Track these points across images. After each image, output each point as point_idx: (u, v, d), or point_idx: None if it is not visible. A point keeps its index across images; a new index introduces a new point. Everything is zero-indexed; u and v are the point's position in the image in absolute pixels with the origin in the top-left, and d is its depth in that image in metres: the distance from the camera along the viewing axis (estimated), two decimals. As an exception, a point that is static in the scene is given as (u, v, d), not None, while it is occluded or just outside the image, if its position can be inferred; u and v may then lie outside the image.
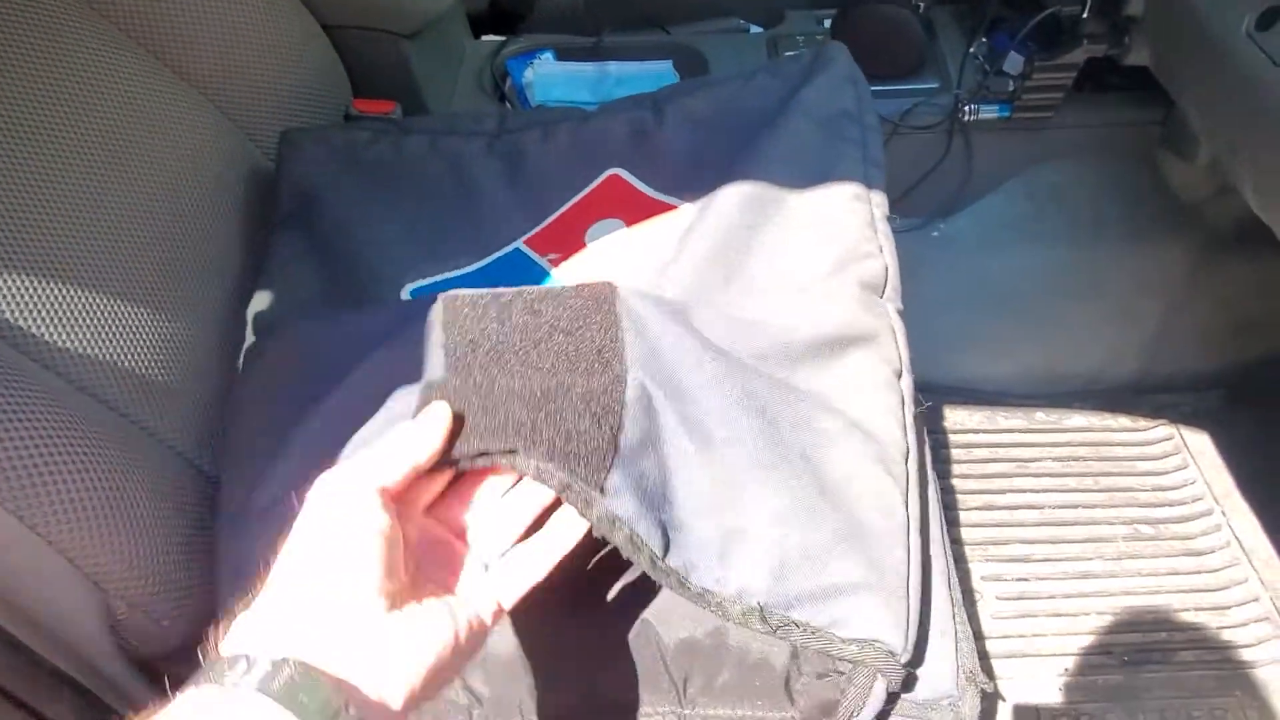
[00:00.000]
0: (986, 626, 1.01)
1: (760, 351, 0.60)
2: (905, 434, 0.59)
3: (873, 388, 0.60)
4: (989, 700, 0.94)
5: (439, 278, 0.75)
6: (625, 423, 0.49)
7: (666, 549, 0.48)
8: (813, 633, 0.49)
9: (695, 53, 1.17)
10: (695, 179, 0.76)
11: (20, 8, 0.68)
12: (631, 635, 0.58)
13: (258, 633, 0.37)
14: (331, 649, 0.37)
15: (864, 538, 0.52)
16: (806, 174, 0.70)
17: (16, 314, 0.58)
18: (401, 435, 0.44)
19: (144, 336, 0.67)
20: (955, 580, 0.60)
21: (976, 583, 1.05)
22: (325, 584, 0.38)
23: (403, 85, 1.03)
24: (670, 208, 0.76)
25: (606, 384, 0.50)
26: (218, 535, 0.63)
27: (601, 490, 0.46)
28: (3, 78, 0.64)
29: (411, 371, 0.56)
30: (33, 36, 0.68)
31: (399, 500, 0.43)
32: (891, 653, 0.49)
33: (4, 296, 0.57)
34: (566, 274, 0.74)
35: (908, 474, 0.57)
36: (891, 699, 0.53)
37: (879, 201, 0.70)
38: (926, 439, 0.66)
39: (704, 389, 0.54)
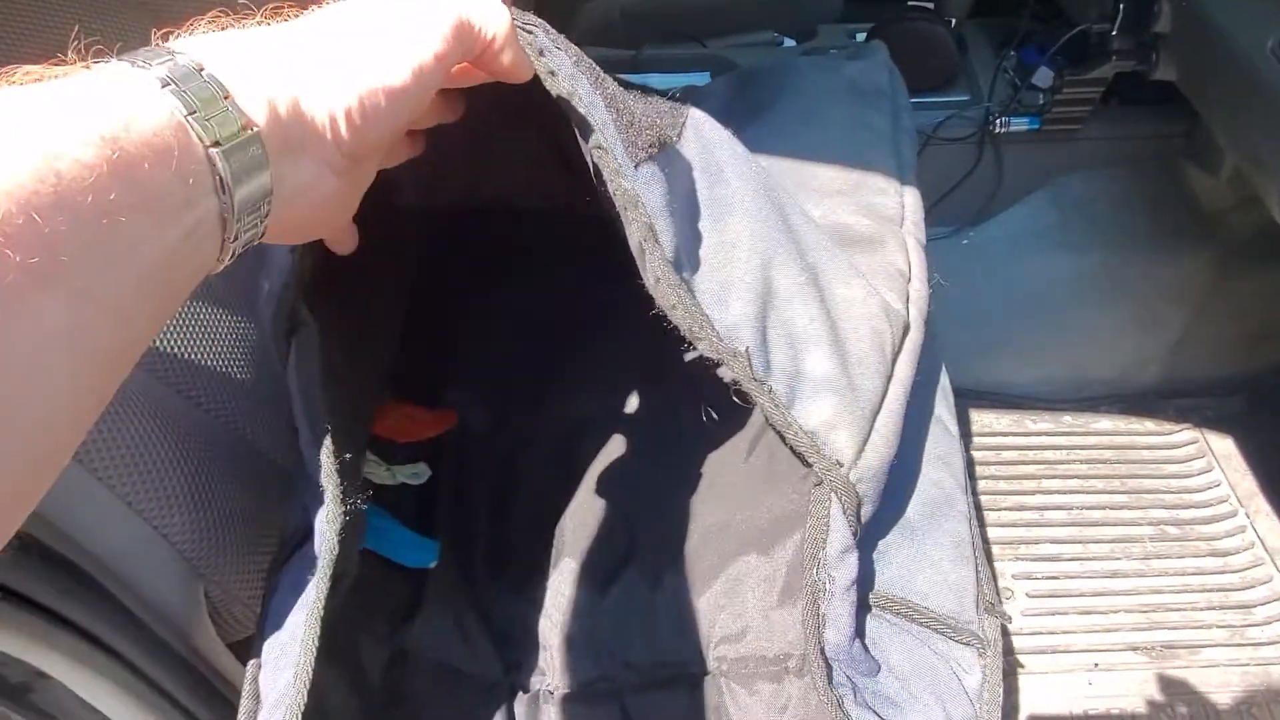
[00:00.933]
0: (1018, 624, 1.04)
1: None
2: (906, 309, 0.57)
3: (883, 272, 0.58)
4: (1018, 694, 0.98)
5: None
6: (679, 136, 0.47)
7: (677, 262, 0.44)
8: (776, 406, 0.46)
9: (732, 65, 1.20)
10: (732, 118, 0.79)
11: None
12: None
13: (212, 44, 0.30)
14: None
15: (846, 350, 0.50)
16: (837, 125, 0.72)
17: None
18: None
19: (223, 335, 0.71)
20: (976, 525, 0.59)
21: (1008, 581, 1.08)
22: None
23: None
24: None
25: (669, 113, 0.48)
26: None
27: (635, 166, 0.41)
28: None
29: None
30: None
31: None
32: (839, 463, 0.47)
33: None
34: None
35: (901, 343, 0.54)
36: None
37: (908, 161, 0.71)
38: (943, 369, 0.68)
39: (738, 176, 0.50)
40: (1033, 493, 1.15)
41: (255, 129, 0.29)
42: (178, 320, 0.67)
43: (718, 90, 0.81)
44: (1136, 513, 1.13)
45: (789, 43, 1.30)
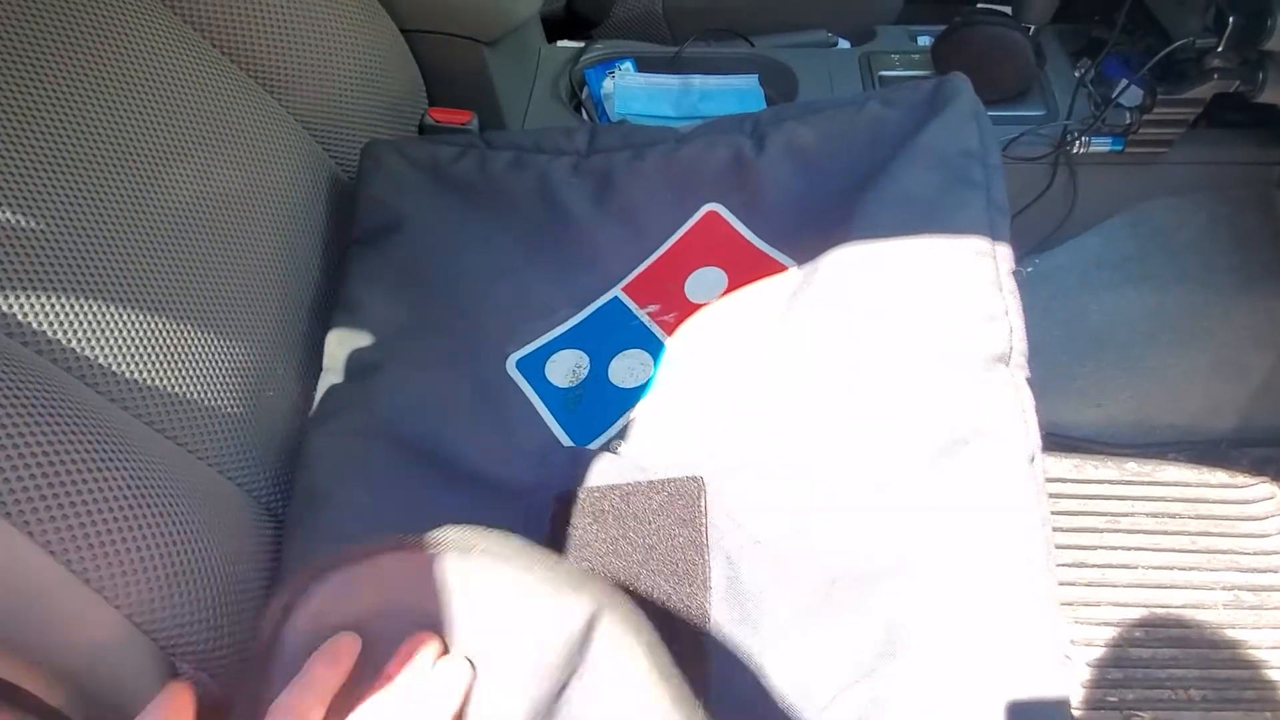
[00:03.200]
0: (1074, 695, 0.95)
1: (866, 478, 0.55)
2: (1044, 527, 0.53)
3: (999, 482, 0.54)
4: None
5: (540, 342, 0.72)
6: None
7: None
8: None
9: (783, 67, 1.11)
10: (801, 228, 0.71)
11: (97, 9, 0.63)
12: None
13: None
14: None
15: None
16: (924, 227, 0.64)
17: (79, 339, 0.53)
18: None
19: (216, 367, 0.62)
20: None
21: (1067, 647, 0.98)
22: None
23: (481, 93, 0.98)
24: (771, 260, 0.71)
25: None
26: (280, 566, 0.59)
27: None
28: (76, 79, 0.59)
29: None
30: (105, 36, 0.63)
31: None
32: None
33: (69, 321, 0.53)
34: (672, 344, 0.69)
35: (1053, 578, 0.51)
36: None
37: (1004, 255, 0.64)
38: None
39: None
40: (1094, 548, 1.06)
41: None
42: (154, 346, 0.58)
43: (782, 179, 0.72)
44: (1208, 575, 1.03)
45: (843, 44, 1.20)
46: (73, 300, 0.53)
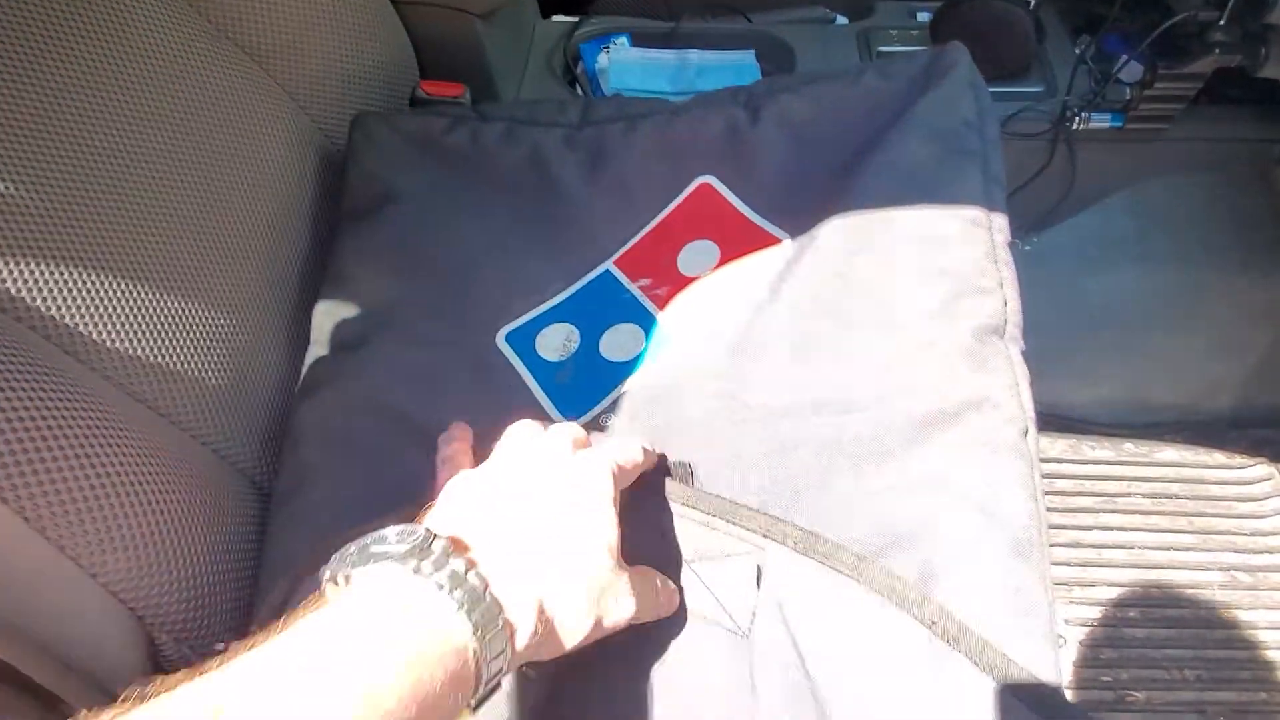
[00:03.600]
0: (1068, 675, 0.94)
1: (856, 451, 0.54)
2: (1037, 503, 0.52)
3: (992, 452, 0.53)
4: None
5: (530, 316, 0.71)
6: None
7: None
8: None
9: (780, 43, 1.09)
10: (794, 200, 0.70)
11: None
12: None
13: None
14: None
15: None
16: (919, 197, 0.63)
17: (59, 306, 0.53)
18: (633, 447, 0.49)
19: (201, 338, 0.61)
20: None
21: (1060, 627, 0.98)
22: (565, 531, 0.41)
23: (473, 66, 0.97)
24: (764, 233, 0.70)
25: None
26: (266, 541, 0.59)
27: None
28: (61, 51, 0.58)
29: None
30: (92, 6, 0.62)
31: None
32: None
33: (50, 288, 0.52)
34: (664, 318, 0.68)
35: (1045, 554, 0.50)
36: None
37: (1000, 225, 0.63)
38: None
39: None
40: (1090, 528, 1.05)
41: (515, 649, 0.35)
42: (140, 318, 0.57)
43: (777, 151, 0.71)
44: (1204, 555, 1.03)
45: (841, 20, 1.19)
46: (55, 269, 0.52)
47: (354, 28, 0.84)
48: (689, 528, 0.52)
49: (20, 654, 0.43)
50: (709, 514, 0.51)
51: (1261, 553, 1.03)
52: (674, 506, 0.52)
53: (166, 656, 0.51)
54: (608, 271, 0.73)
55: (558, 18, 1.17)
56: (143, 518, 0.50)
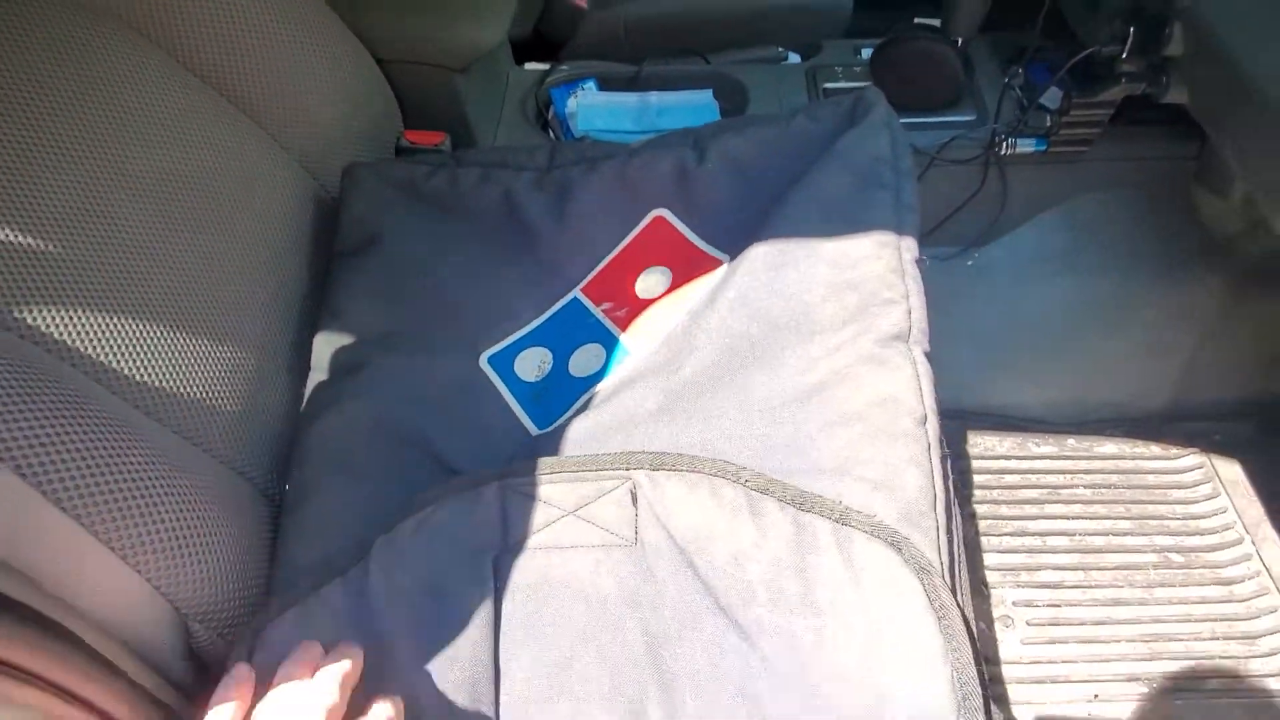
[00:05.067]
0: (1017, 652, 1.03)
1: (774, 443, 0.64)
2: (932, 480, 0.61)
3: (890, 439, 0.62)
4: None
5: (509, 341, 0.80)
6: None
7: None
8: None
9: (735, 82, 1.19)
10: (735, 228, 0.79)
11: (93, 53, 0.72)
12: None
13: None
14: None
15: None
16: (836, 222, 0.72)
17: (96, 347, 0.61)
18: None
19: (215, 369, 0.70)
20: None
21: (1008, 609, 1.07)
22: None
23: (452, 116, 1.06)
24: (709, 257, 0.80)
25: None
26: (278, 545, 0.67)
27: None
28: (74, 120, 0.67)
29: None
30: (106, 80, 0.71)
31: None
32: None
33: (88, 332, 0.61)
34: (625, 337, 0.78)
35: (936, 521, 0.59)
36: None
37: (908, 245, 0.72)
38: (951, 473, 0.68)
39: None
40: (1035, 518, 1.14)
41: None
42: (162, 354, 0.66)
43: (721, 186, 0.81)
44: (1141, 539, 1.11)
45: (794, 58, 1.29)
46: (88, 314, 0.61)
47: (343, 86, 0.93)
48: (565, 488, 0.63)
49: (94, 636, 0.52)
50: (578, 470, 0.63)
51: (1193, 535, 1.12)
52: (547, 477, 0.63)
53: (198, 641, 0.60)
54: (575, 299, 0.82)
55: (530, 65, 1.26)
56: (177, 525, 0.58)
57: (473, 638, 0.60)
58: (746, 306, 0.71)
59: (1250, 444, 1.20)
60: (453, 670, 0.60)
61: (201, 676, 0.61)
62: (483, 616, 0.61)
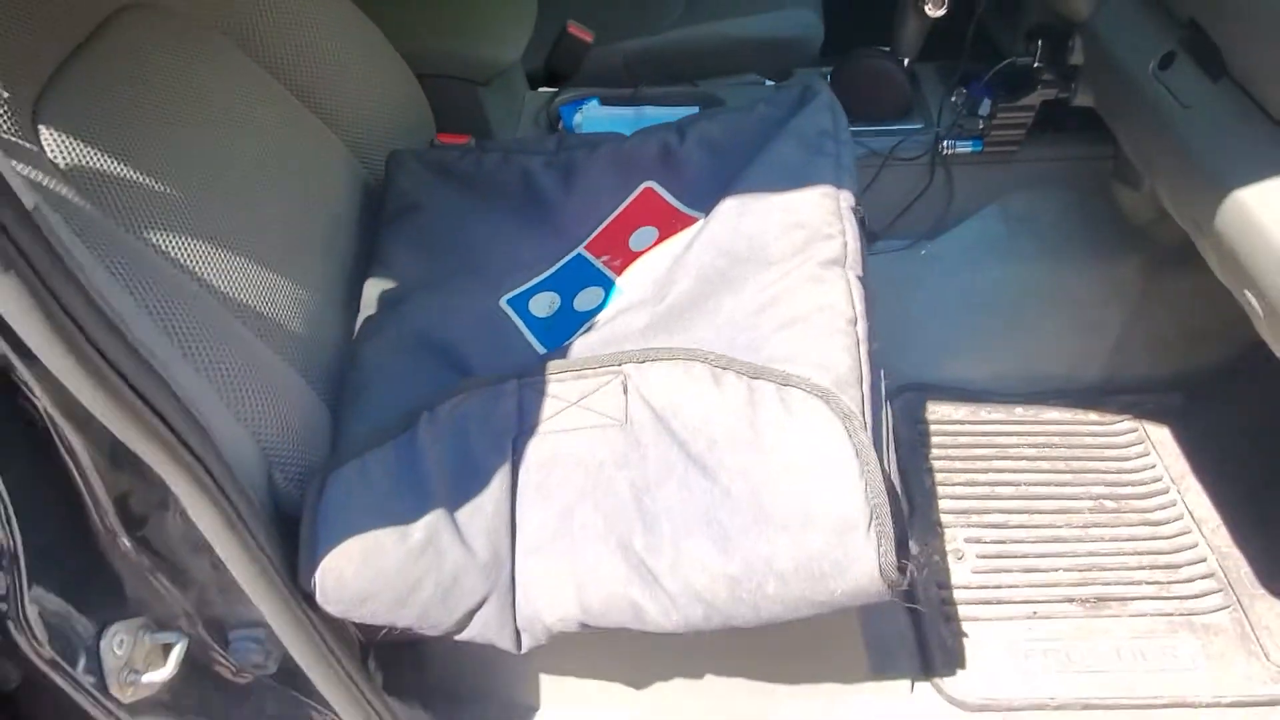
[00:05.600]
0: (967, 578, 1.17)
1: (738, 344, 0.80)
2: (860, 363, 0.77)
3: (828, 335, 0.79)
4: (965, 637, 1.10)
5: (525, 286, 0.97)
6: None
7: None
8: None
9: (718, 100, 1.39)
10: (709, 192, 0.97)
11: (206, 61, 0.91)
12: None
13: None
14: None
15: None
16: (788, 181, 0.90)
17: (206, 268, 0.79)
18: None
19: (288, 299, 0.88)
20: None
21: (960, 544, 1.21)
22: None
23: (476, 124, 1.26)
24: (689, 217, 0.98)
25: None
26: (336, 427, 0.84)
27: None
28: (195, 110, 0.87)
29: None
30: (216, 80, 0.91)
31: None
32: None
33: (200, 256, 0.79)
34: (620, 280, 0.95)
35: (861, 390, 0.75)
36: None
37: (845, 197, 0.89)
38: (883, 376, 0.84)
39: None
40: (984, 471, 1.29)
41: None
42: (259, 287, 0.84)
43: (698, 161, 1.00)
44: (1078, 489, 1.26)
45: (769, 83, 1.49)
46: (201, 244, 0.80)
47: (388, 93, 1.13)
48: (570, 384, 0.80)
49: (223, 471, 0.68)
50: (580, 369, 0.80)
51: (1125, 486, 1.26)
52: (555, 376, 0.80)
53: (278, 488, 0.76)
54: (580, 254, 1.00)
55: (542, 89, 1.47)
56: (264, 392, 0.75)
57: (495, 495, 0.76)
58: (716, 246, 0.88)
59: (1179, 411, 1.35)
60: (478, 518, 0.75)
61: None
62: (502, 480, 0.77)
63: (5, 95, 0.65)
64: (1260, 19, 0.81)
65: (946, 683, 1.06)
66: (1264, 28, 0.80)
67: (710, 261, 0.87)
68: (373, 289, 0.96)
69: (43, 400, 0.52)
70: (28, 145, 0.69)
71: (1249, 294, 0.84)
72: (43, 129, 0.71)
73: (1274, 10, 0.78)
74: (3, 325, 0.45)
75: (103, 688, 0.60)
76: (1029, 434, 1.34)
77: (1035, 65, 1.16)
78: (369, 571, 0.71)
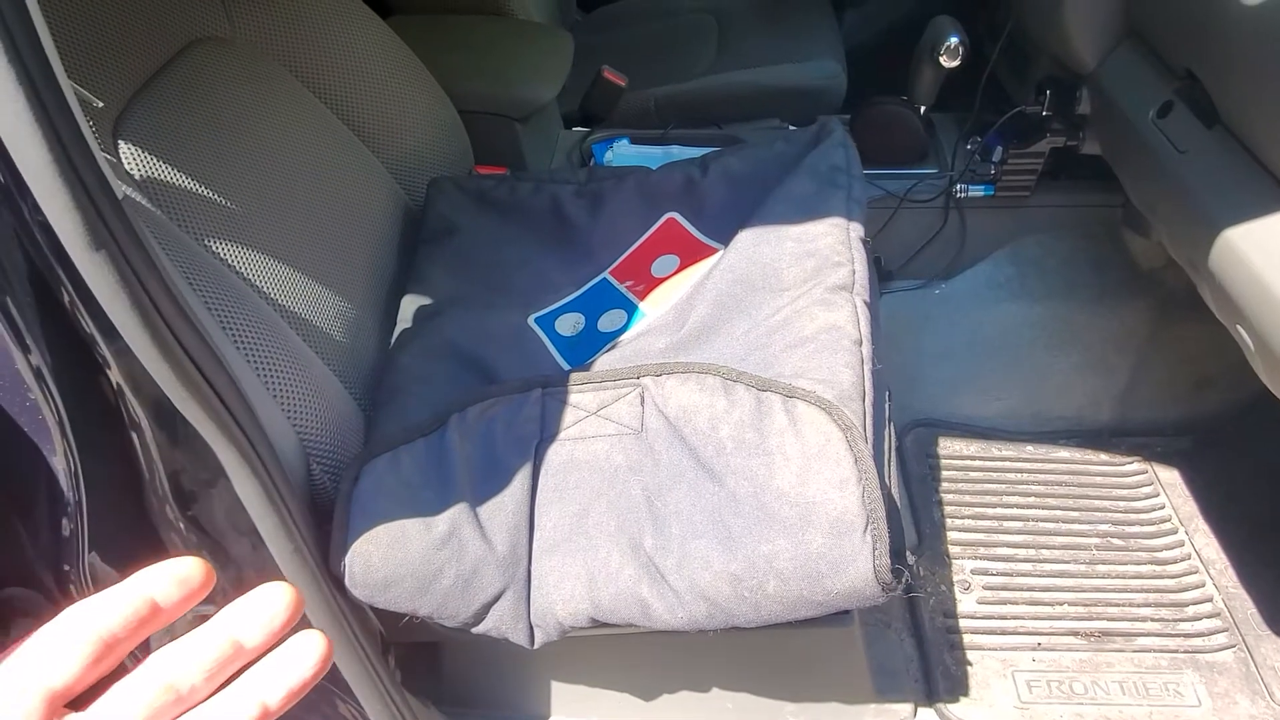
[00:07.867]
0: (973, 608, 1.19)
1: (749, 363, 0.85)
2: (863, 380, 0.82)
3: (834, 353, 0.83)
4: (970, 666, 1.12)
5: (553, 307, 1.03)
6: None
7: None
8: None
9: (741, 141, 1.45)
10: (729, 224, 1.03)
11: (263, 85, 0.99)
12: None
13: None
14: None
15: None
16: (802, 213, 0.96)
17: (262, 277, 0.86)
18: None
19: (332, 309, 0.94)
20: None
21: (967, 575, 1.24)
22: None
23: (512, 157, 1.33)
24: (709, 247, 1.03)
25: None
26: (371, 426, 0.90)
27: None
28: (254, 135, 0.94)
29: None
30: (272, 107, 0.99)
31: None
32: None
33: (257, 267, 0.86)
34: (643, 305, 1.01)
35: (863, 405, 0.80)
36: None
37: (855, 227, 0.95)
38: (890, 398, 0.88)
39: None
40: (993, 505, 1.32)
41: None
42: (308, 297, 0.90)
43: (718, 194, 1.06)
44: (1086, 526, 1.29)
45: (791, 128, 1.56)
46: (258, 255, 0.86)
47: (431, 125, 1.21)
48: (590, 395, 0.85)
49: (267, 449, 0.73)
50: (600, 381, 0.85)
51: (1133, 524, 1.29)
52: (576, 387, 0.85)
53: (315, 479, 0.82)
54: (605, 279, 1.06)
55: (576, 129, 1.55)
56: (306, 390, 0.81)
57: (516, 495, 0.81)
58: (733, 274, 0.94)
59: (1188, 455, 1.38)
60: (499, 515, 0.80)
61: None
62: (524, 481, 0.82)
63: (98, 105, 0.73)
64: (1245, 71, 0.86)
65: (950, 709, 1.08)
66: (1247, 79, 0.85)
67: (727, 289, 0.92)
68: (410, 304, 1.02)
69: (115, 375, 0.58)
70: (109, 157, 0.76)
71: (1240, 328, 0.88)
72: (122, 144, 0.79)
73: (1253, 64, 0.83)
74: (92, 302, 0.51)
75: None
76: (1038, 471, 1.36)
77: (1045, 114, 1.21)
78: (395, 558, 0.75)
